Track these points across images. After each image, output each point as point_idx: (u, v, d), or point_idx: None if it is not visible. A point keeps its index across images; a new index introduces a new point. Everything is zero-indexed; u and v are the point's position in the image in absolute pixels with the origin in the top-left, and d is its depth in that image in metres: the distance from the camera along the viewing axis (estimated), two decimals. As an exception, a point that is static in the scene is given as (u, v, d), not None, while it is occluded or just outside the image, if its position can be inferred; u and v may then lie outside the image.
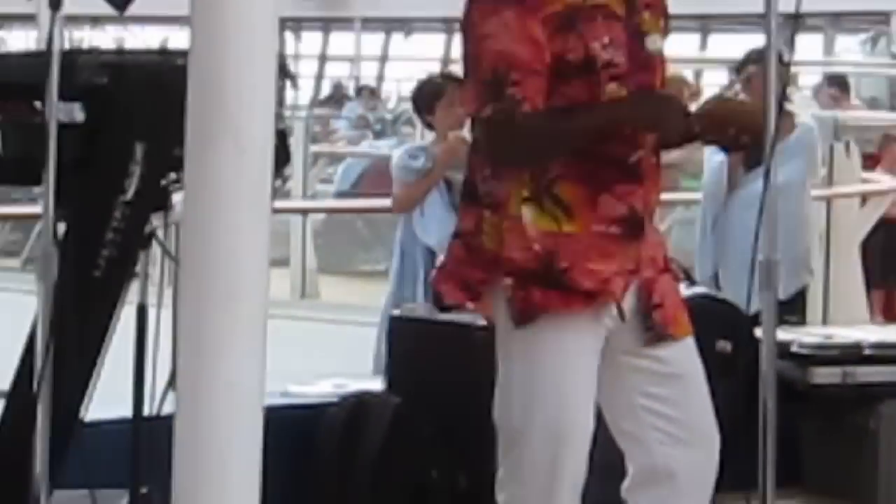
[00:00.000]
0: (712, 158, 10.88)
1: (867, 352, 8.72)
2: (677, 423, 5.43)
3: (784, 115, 5.19)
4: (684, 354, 5.50)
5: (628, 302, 5.38)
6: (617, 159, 5.39)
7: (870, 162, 15.96)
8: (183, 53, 4.22)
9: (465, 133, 10.79)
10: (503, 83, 5.23)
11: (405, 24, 45.49)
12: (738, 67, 10.51)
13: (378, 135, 29.06)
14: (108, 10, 5.04)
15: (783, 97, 5.28)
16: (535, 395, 5.35)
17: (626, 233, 5.37)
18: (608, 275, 5.32)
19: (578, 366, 5.39)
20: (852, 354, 8.70)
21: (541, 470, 5.35)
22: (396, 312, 8.88)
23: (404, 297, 10.74)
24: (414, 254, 11.02)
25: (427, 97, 11.44)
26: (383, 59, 46.70)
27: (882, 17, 37.23)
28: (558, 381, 5.37)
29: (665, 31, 5.64)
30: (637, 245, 5.40)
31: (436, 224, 10.79)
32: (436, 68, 41.89)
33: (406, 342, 8.12)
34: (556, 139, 5.40)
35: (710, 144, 5.73)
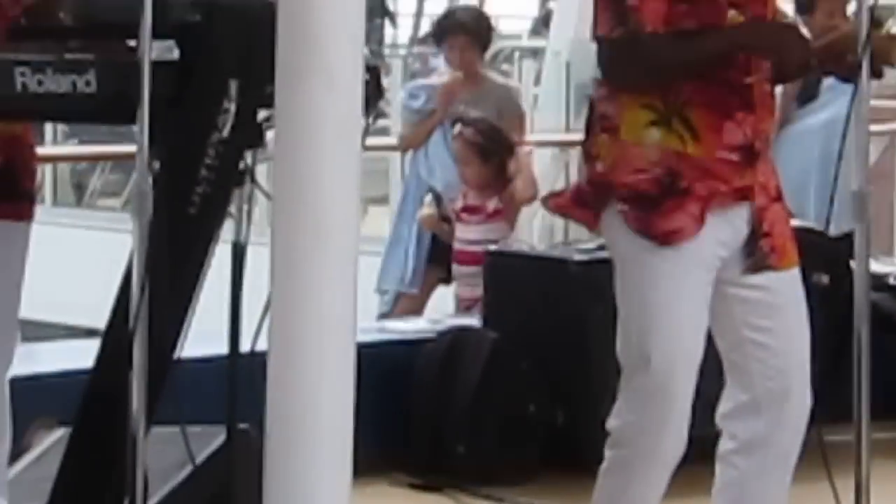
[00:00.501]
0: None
1: None
2: (778, 354, 5.49)
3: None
4: (788, 285, 5.56)
5: (741, 228, 5.47)
6: (739, 86, 5.44)
7: None
8: (265, -9, 4.24)
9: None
10: (627, 4, 5.33)
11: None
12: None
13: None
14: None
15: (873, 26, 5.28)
16: (651, 327, 5.44)
17: (744, 160, 5.44)
18: (724, 197, 5.48)
19: (692, 297, 5.49)
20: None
21: (656, 398, 5.44)
22: (493, 248, 8.89)
23: (401, 237, 10.80)
24: (417, 195, 10.99)
25: (444, 29, 11.53)
26: (480, -2, 46.62)
27: None
28: (672, 314, 5.45)
29: None
30: (753, 171, 5.46)
31: (440, 166, 10.78)
32: (534, 5, 41.94)
33: (503, 277, 8.13)
34: (680, 61, 5.46)
35: (829, 75, 5.70)
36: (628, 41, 5.39)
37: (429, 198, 11.07)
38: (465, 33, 11.41)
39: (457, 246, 10.02)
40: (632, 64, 5.46)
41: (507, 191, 10.45)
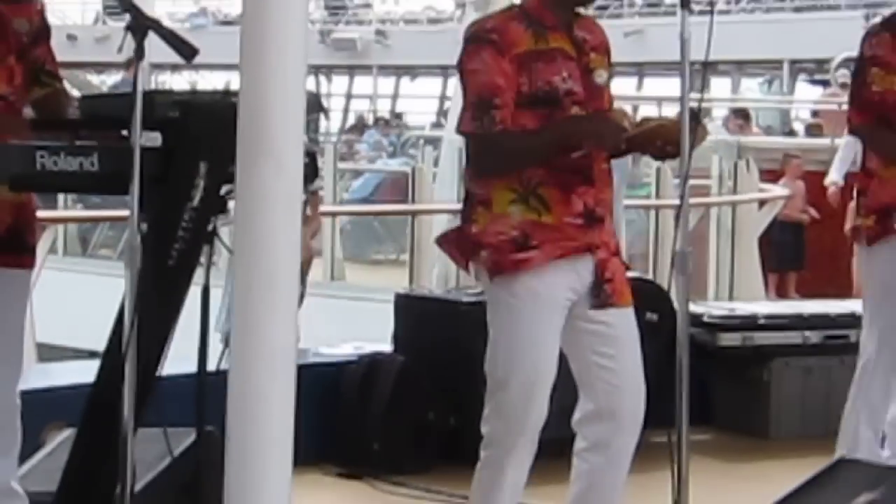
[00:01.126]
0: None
1: (761, 321, 8.73)
2: (618, 375, 5.47)
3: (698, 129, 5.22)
4: (625, 321, 5.54)
5: (587, 276, 5.46)
6: (579, 168, 5.42)
7: (772, 176, 16.00)
8: (235, 93, 4.23)
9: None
10: (487, 105, 5.30)
11: (411, 70, 45.40)
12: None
13: (391, 155, 29.09)
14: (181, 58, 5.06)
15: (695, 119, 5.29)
16: (513, 352, 5.41)
17: (586, 223, 5.45)
18: (569, 249, 5.48)
19: (544, 331, 5.45)
20: (750, 323, 8.70)
21: (517, 408, 5.41)
22: (402, 291, 8.89)
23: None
24: None
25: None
26: (395, 97, 46.59)
27: (776, 64, 37.32)
28: (528, 343, 5.44)
29: (609, 68, 5.68)
30: (594, 232, 5.45)
31: None
32: (434, 104, 41.97)
33: (409, 313, 8.15)
34: (524, 151, 5.47)
35: (644, 155, 5.74)
36: (485, 139, 5.42)
37: None
38: None
39: None
40: (491, 157, 5.51)
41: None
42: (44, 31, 5.65)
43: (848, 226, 7.13)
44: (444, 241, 5.68)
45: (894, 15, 7.06)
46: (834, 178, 14.62)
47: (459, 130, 5.51)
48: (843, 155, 14.46)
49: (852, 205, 7.11)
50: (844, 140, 13.98)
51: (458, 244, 5.58)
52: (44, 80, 5.61)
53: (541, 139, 5.44)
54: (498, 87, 5.33)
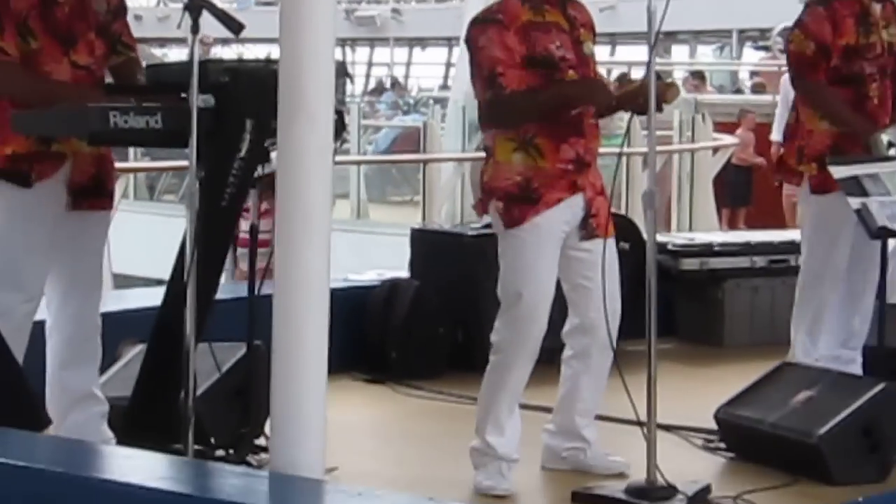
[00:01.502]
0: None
1: (716, 248, 8.72)
2: (597, 293, 5.48)
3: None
4: (608, 249, 5.53)
5: (578, 212, 5.54)
6: (570, 122, 5.51)
7: (724, 127, 15.96)
8: (276, 62, 4.23)
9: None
10: (494, 74, 5.37)
11: (422, 42, 45.25)
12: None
13: (405, 113, 29.03)
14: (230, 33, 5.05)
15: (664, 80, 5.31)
16: (519, 278, 5.48)
17: (576, 168, 5.52)
18: (567, 192, 5.55)
19: (546, 255, 5.54)
20: (706, 250, 8.68)
21: (525, 321, 5.47)
22: (416, 226, 8.88)
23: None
24: None
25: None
26: (408, 64, 46.41)
27: (726, 33, 37.34)
28: (533, 269, 5.51)
29: (594, 41, 5.76)
30: (583, 175, 5.54)
31: None
32: (442, 70, 41.82)
33: (423, 245, 8.14)
34: (529, 108, 5.50)
35: (627, 111, 5.72)
36: (495, 101, 5.48)
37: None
38: None
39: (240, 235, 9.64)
40: (497, 116, 5.56)
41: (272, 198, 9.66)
42: (120, 9, 5.67)
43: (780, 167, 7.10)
44: (480, 183, 5.73)
45: None
46: (776, 137, 14.55)
47: (479, 99, 5.62)
48: (781, 112, 14.37)
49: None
50: (780, 99, 13.92)
51: (483, 187, 5.68)
52: (119, 49, 5.62)
53: (544, 97, 5.52)
54: (499, 60, 5.43)
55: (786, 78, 12.04)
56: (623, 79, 5.25)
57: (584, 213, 5.55)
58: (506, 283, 5.53)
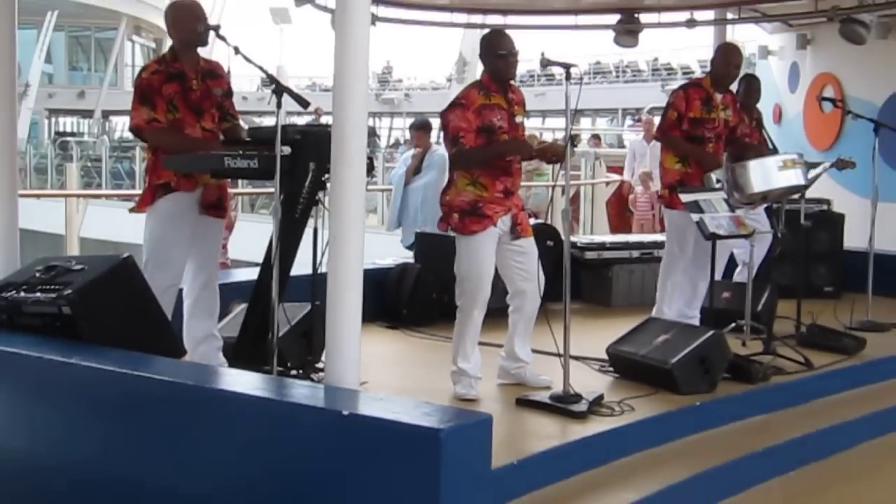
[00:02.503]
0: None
1: (607, 245, 8.66)
2: (527, 272, 5.47)
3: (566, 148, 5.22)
4: (530, 244, 5.51)
5: (507, 223, 5.48)
6: (503, 167, 5.46)
7: (612, 169, 15.89)
8: (329, 126, 4.20)
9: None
10: (457, 137, 5.32)
11: (423, 114, 45.08)
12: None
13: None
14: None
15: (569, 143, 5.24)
16: (470, 263, 5.42)
17: (505, 196, 5.47)
18: (500, 209, 5.44)
19: (487, 251, 5.46)
20: (601, 246, 8.60)
21: (472, 291, 5.42)
22: (420, 230, 8.84)
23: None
24: None
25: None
26: (414, 128, 46.23)
27: (615, 111, 37.44)
28: (479, 258, 5.43)
29: (524, 114, 5.67)
30: (510, 200, 5.50)
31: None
32: (436, 132, 41.57)
33: (423, 242, 8.10)
34: (478, 158, 5.43)
35: (542, 161, 5.72)
36: (457, 154, 5.46)
37: None
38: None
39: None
40: (458, 163, 5.50)
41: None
42: (229, 93, 5.67)
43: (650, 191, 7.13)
44: (442, 201, 5.69)
45: (688, 82, 7.18)
46: (626, 176, 14.46)
47: (448, 153, 5.58)
48: (628, 161, 14.32)
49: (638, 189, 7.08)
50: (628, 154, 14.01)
51: (442, 205, 5.61)
52: (228, 118, 5.63)
53: (487, 151, 5.46)
54: (461, 128, 5.41)
55: (634, 141, 12.05)
56: (543, 142, 5.31)
57: (512, 222, 5.54)
58: (460, 267, 5.52)
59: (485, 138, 5.46)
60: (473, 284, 5.48)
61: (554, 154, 5.55)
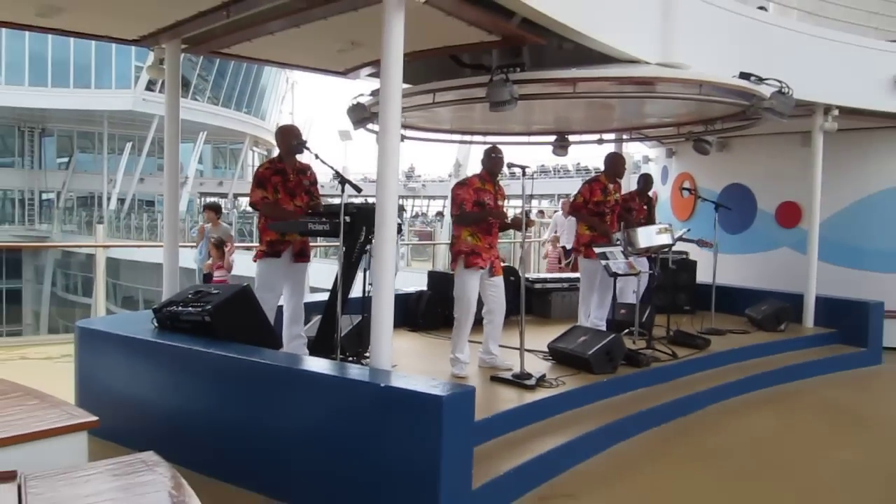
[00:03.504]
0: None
1: (548, 280, 8.49)
2: (496, 298, 5.36)
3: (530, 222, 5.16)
4: (500, 280, 5.38)
5: (487, 266, 5.32)
6: (487, 230, 5.31)
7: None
8: (374, 203, 4.17)
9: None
10: (462, 204, 5.20)
11: (433, 197, 44.67)
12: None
13: (426, 224, 28.24)
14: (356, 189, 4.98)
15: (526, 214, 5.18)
16: (463, 290, 5.28)
17: (489, 247, 5.32)
18: (486, 258, 5.29)
19: (474, 283, 5.32)
20: (545, 280, 8.49)
21: (465, 308, 5.27)
22: (430, 269, 8.73)
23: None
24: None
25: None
26: (428, 205, 45.95)
27: (552, 195, 36.71)
28: (470, 286, 5.29)
29: (503, 199, 5.54)
30: (492, 251, 5.34)
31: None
32: (440, 207, 41.18)
33: (433, 277, 7.98)
34: (473, 218, 5.29)
35: (513, 229, 5.68)
36: (460, 215, 5.37)
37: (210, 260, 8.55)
38: None
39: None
40: (460, 220, 5.40)
41: (226, 261, 8.52)
42: (314, 182, 5.54)
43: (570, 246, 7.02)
44: (450, 249, 5.64)
45: (590, 178, 7.07)
46: (563, 242, 14.19)
47: (453, 214, 5.49)
48: (552, 227, 13.90)
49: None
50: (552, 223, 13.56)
51: (451, 252, 5.52)
52: (313, 199, 5.51)
53: (479, 215, 5.38)
54: (465, 199, 5.35)
55: (556, 215, 11.87)
56: (516, 217, 5.31)
57: (490, 266, 5.47)
58: (458, 291, 5.43)
59: (479, 208, 5.44)
60: (465, 303, 5.41)
61: (518, 223, 5.48)
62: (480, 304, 5.57)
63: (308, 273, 5.80)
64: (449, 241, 5.73)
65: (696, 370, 6.25)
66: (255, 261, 5.44)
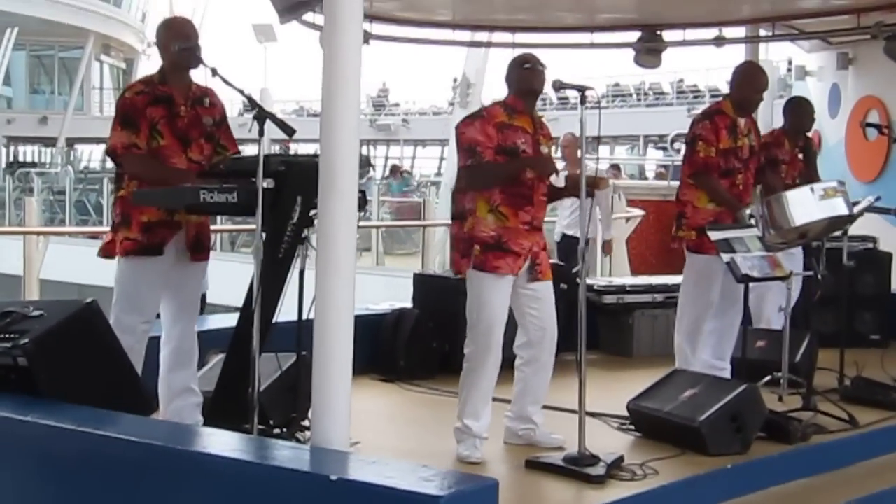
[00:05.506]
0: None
1: (628, 288, 8.68)
2: (540, 320, 5.48)
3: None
4: (547, 288, 5.51)
5: (528, 261, 5.44)
6: (526, 195, 5.44)
7: (634, 203, 15.83)
8: (317, 155, 4.20)
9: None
10: (474, 149, 5.35)
11: (423, 142, 45.21)
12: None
13: (411, 192, 28.62)
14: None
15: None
16: (482, 305, 5.40)
17: (530, 229, 5.45)
18: (523, 250, 5.44)
19: (502, 296, 5.46)
20: (621, 289, 8.64)
21: (484, 338, 5.39)
22: (417, 271, 8.82)
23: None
24: None
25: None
26: (413, 157, 46.34)
27: (635, 138, 37.33)
28: (494, 300, 5.44)
29: (549, 145, 5.69)
30: (533, 235, 5.47)
31: None
32: (436, 162, 41.66)
33: (422, 285, 8.09)
34: (495, 173, 5.45)
35: (570, 196, 5.73)
36: (474, 167, 5.45)
37: None
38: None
39: None
40: (471, 178, 5.51)
41: None
42: (222, 121, 5.64)
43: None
44: (452, 235, 5.69)
45: (709, 108, 7.09)
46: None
47: (459, 165, 5.57)
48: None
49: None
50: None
51: (457, 240, 5.59)
52: (219, 150, 5.59)
53: (506, 167, 5.46)
54: (479, 141, 5.42)
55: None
56: (571, 175, 5.35)
57: (531, 262, 5.53)
58: (471, 310, 5.50)
59: (506, 159, 5.47)
60: (484, 332, 5.45)
61: (575, 185, 5.39)
62: (508, 332, 5.61)
63: (207, 280, 5.84)
64: (451, 221, 5.77)
65: (891, 448, 6.26)
66: (105, 255, 5.47)
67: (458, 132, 5.54)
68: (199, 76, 5.43)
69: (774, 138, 7.65)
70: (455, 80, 27.97)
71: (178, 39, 5.39)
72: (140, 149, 5.34)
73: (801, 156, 7.72)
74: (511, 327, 5.63)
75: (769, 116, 8.78)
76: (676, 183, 7.44)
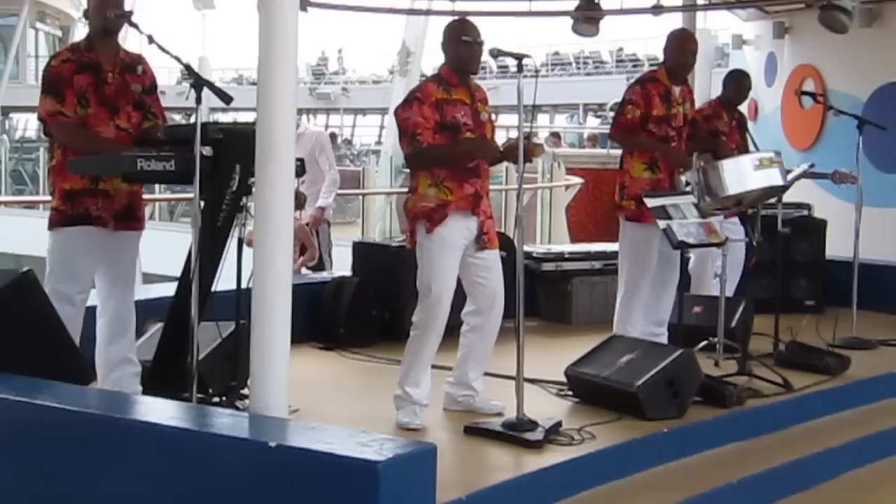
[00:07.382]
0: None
1: (566, 256, 8.68)
2: (489, 288, 5.50)
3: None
4: (495, 256, 5.55)
5: (473, 230, 5.47)
6: (469, 168, 5.45)
7: (572, 171, 15.90)
8: (255, 123, 4.18)
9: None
10: (414, 134, 5.31)
11: (363, 111, 44.86)
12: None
13: (351, 161, 28.40)
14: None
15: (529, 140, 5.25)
16: (432, 275, 5.41)
17: (474, 200, 5.47)
18: (467, 209, 5.49)
19: (449, 263, 5.48)
20: (560, 257, 8.65)
21: (434, 307, 5.40)
22: (357, 240, 8.79)
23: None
24: None
25: None
26: (353, 126, 46.04)
27: (575, 106, 37.33)
28: (440, 270, 5.45)
29: (488, 111, 5.68)
30: (478, 204, 5.50)
31: None
32: (376, 131, 41.43)
33: (362, 253, 8.06)
34: (438, 157, 5.43)
35: (509, 161, 5.71)
36: (415, 151, 5.43)
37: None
38: None
39: None
40: (416, 163, 5.51)
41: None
42: (152, 88, 5.58)
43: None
44: (404, 209, 5.68)
45: (643, 75, 7.15)
46: None
47: (404, 152, 5.56)
48: None
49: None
50: None
51: (406, 212, 5.60)
52: (149, 117, 5.54)
53: (448, 150, 5.47)
54: (418, 124, 5.39)
55: None
56: (510, 142, 5.34)
57: (478, 231, 5.54)
58: (422, 279, 5.50)
59: (447, 136, 5.47)
60: (434, 300, 5.47)
61: (513, 151, 5.36)
62: (456, 298, 5.65)
63: (140, 250, 5.78)
64: (392, 192, 5.78)
65: (824, 411, 6.37)
66: (48, 229, 5.43)
67: (398, 118, 5.54)
68: (134, 43, 5.38)
69: (713, 110, 7.73)
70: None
71: (110, 6, 5.34)
72: (67, 117, 5.29)
73: (735, 125, 7.81)
74: (457, 296, 5.65)
75: (707, 85, 8.83)
76: (618, 151, 7.49)
